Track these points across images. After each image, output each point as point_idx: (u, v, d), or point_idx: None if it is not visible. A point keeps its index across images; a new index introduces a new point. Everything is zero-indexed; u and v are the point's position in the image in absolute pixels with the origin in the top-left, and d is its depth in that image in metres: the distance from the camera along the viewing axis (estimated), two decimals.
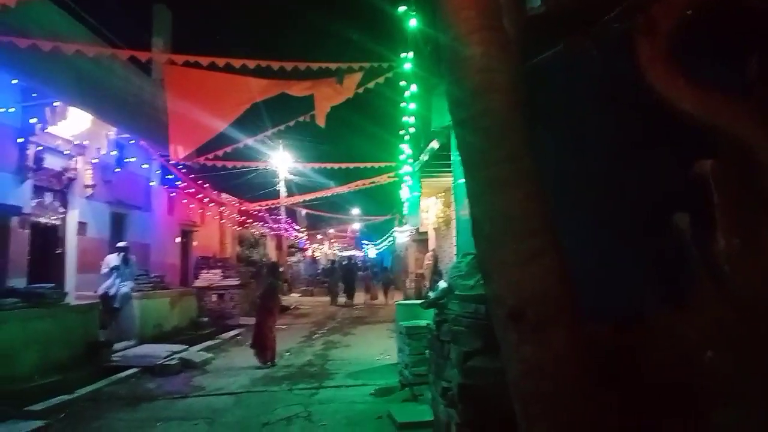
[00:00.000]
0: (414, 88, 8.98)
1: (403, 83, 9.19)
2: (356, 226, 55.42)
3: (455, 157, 7.26)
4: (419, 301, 10.54)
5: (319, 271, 38.38)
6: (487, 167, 3.07)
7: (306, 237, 39.34)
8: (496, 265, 3.02)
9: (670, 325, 3.20)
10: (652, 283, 3.45)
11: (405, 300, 17.90)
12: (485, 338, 4.16)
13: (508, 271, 2.96)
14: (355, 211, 57.46)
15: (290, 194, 28.62)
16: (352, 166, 18.23)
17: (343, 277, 26.59)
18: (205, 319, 15.29)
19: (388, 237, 39.22)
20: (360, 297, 26.34)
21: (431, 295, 11.74)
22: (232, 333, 14.30)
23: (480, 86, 3.06)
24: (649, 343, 3.25)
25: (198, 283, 17.03)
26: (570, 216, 3.34)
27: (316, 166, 20.95)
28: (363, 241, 66.38)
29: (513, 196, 3.00)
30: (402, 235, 30.10)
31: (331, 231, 56.36)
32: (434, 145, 8.87)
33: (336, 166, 18.45)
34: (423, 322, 8.51)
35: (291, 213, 33.72)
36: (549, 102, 3.89)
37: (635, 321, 3.35)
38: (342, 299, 24.66)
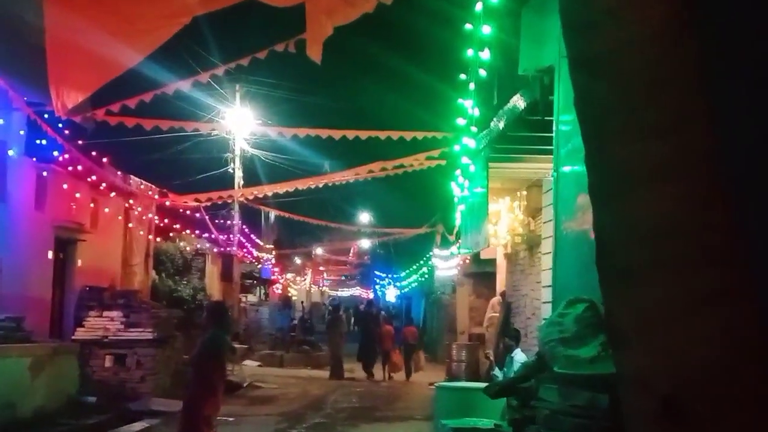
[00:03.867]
0: None
1: None
2: (364, 244, 55.57)
3: (563, 124, 7.23)
4: (478, 384, 10.51)
5: (293, 321, 38.48)
6: (630, 141, 3.08)
7: (275, 261, 39.56)
8: (639, 319, 3.01)
9: None
10: None
11: (450, 380, 17.91)
12: None
13: (662, 329, 2.94)
14: (364, 218, 57.75)
15: (251, 183, 28.90)
16: (363, 135, 18.24)
17: (361, 333, 26.99)
18: (92, 398, 15.34)
19: (420, 268, 39.28)
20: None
21: (500, 373, 11.74)
22: (137, 426, 14.35)
23: None
24: None
25: (82, 333, 17.16)
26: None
27: (301, 133, 21.00)
28: (376, 274, 66.61)
29: (675, 193, 3.00)
30: (446, 265, 30.14)
31: (320, 252, 56.64)
32: (518, 103, 8.87)
33: (336, 134, 18.52)
34: (486, 422, 8.46)
35: (251, 215, 34.05)
36: (744, 31, 3.85)
37: None
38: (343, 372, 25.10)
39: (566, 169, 7.13)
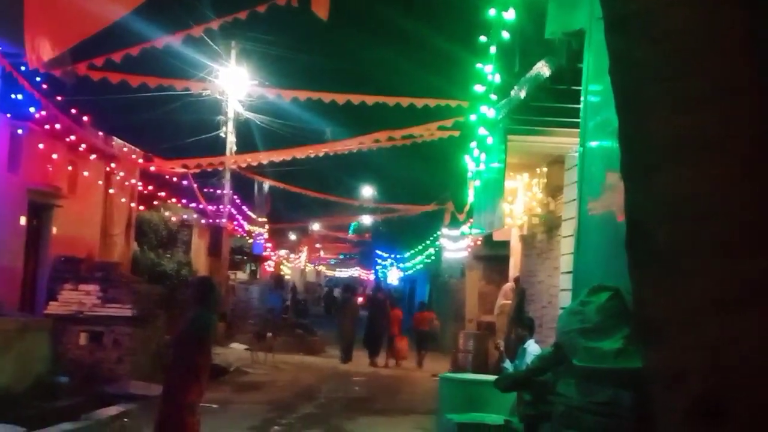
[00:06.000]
0: None
1: None
2: (366, 221, 55.67)
3: (591, 95, 7.19)
4: (487, 377, 10.53)
5: (287, 302, 38.64)
6: (671, 112, 3.06)
7: (267, 236, 39.62)
8: (675, 310, 3.00)
9: None
10: None
11: (456, 372, 17.96)
12: None
13: (700, 320, 2.93)
14: (367, 192, 57.84)
15: (244, 150, 28.84)
16: (370, 101, 18.19)
17: (368, 320, 27.92)
18: (65, 378, 15.41)
19: (426, 249, 39.35)
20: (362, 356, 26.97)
21: (511, 365, 11.79)
22: (113, 411, 14.41)
23: None
24: None
25: (55, 308, 17.23)
26: None
27: (301, 96, 20.94)
28: (378, 254, 66.76)
29: (721, 169, 2.98)
30: (455, 246, 30.15)
31: (317, 228, 56.76)
32: (543, 70, 8.84)
33: (340, 99, 18.46)
34: (494, 417, 8.49)
35: (243, 185, 34.04)
36: None
37: None
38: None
39: (594, 144, 7.08)
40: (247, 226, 34.87)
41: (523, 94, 9.92)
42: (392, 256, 59.96)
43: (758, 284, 2.91)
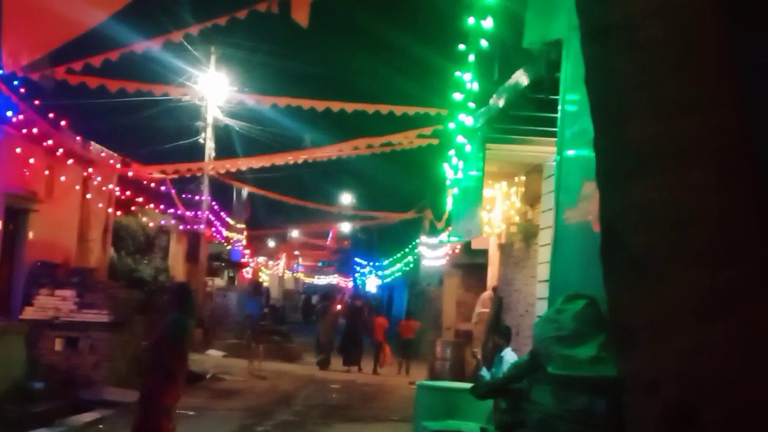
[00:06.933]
0: None
1: None
2: (345, 228, 55.65)
3: (569, 104, 7.21)
4: (464, 384, 10.53)
5: (264, 309, 38.49)
6: (648, 121, 3.08)
7: (246, 242, 39.53)
8: (649, 318, 3.02)
9: None
10: None
11: (433, 380, 17.96)
12: None
13: (674, 328, 2.95)
14: (346, 199, 57.80)
15: (223, 156, 28.77)
16: (349, 108, 18.23)
17: (346, 327, 28.27)
18: (40, 384, 15.30)
19: (405, 256, 39.35)
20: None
21: (488, 373, 11.78)
22: (88, 417, 14.34)
23: None
24: None
25: (31, 313, 17.12)
26: None
27: (280, 103, 20.93)
28: (356, 261, 66.68)
29: (698, 178, 3.00)
30: (433, 254, 30.18)
31: (295, 235, 56.66)
32: (521, 79, 8.86)
33: (319, 106, 18.49)
34: (471, 425, 8.49)
35: (222, 191, 33.93)
36: None
37: None
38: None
39: (571, 153, 7.10)
40: (225, 233, 34.78)
41: (502, 103, 9.93)
42: (371, 263, 59.93)
43: (732, 292, 2.94)
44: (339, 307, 33.34)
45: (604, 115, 3.28)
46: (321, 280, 77.78)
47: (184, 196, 28.64)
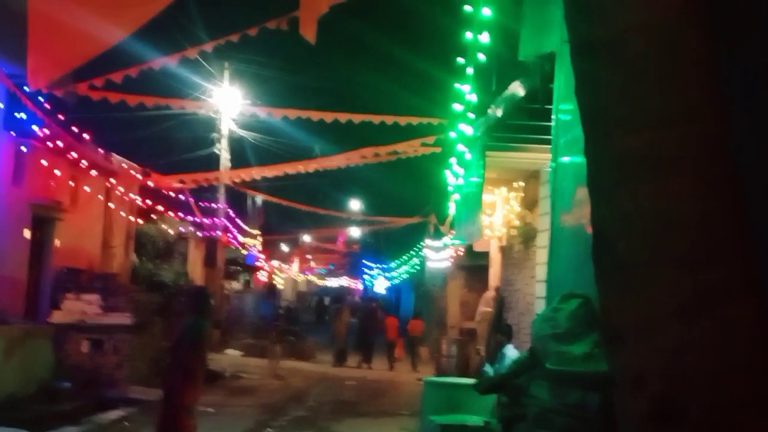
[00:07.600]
0: None
1: None
2: (354, 233, 55.64)
3: (562, 113, 7.22)
4: (468, 380, 10.53)
5: (280, 311, 38.53)
6: (634, 131, 3.08)
7: (260, 247, 39.56)
8: (636, 318, 3.02)
9: None
10: None
11: (439, 376, 17.96)
12: None
13: (658, 327, 2.95)
14: (354, 205, 57.81)
15: (238, 166, 28.83)
16: (356, 119, 18.25)
17: (359, 326, 29.06)
18: (67, 384, 15.34)
19: (411, 259, 39.33)
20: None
21: (491, 369, 11.80)
22: (113, 415, 14.38)
23: None
24: None
25: (58, 316, 17.13)
26: None
27: (291, 115, 21.00)
28: (365, 264, 66.64)
29: (680, 186, 3.00)
30: (438, 257, 30.17)
31: (307, 240, 56.66)
32: (518, 90, 8.89)
33: (327, 117, 18.51)
34: (475, 419, 8.50)
35: (237, 199, 34.00)
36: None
37: None
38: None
39: (565, 159, 7.12)
40: (241, 238, 34.78)
41: (499, 113, 9.96)
42: (379, 266, 59.89)
43: (712, 294, 2.94)
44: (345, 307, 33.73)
45: (592, 125, 3.28)
46: (332, 283, 77.67)
47: (201, 204, 28.71)
